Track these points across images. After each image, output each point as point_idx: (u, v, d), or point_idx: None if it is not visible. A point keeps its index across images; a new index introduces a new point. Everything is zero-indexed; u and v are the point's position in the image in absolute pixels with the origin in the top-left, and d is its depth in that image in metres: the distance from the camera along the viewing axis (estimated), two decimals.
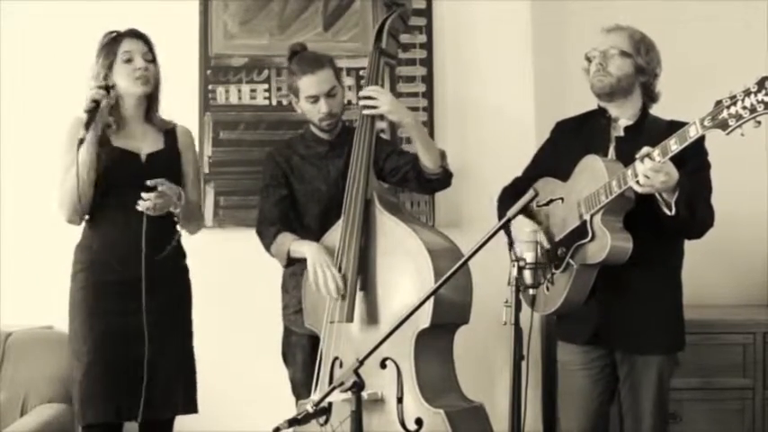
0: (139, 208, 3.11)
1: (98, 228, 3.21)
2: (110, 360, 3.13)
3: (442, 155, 3.44)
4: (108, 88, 3.13)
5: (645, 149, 2.82)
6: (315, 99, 3.44)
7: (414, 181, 3.47)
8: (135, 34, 3.23)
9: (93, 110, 3.06)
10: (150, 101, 3.28)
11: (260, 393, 3.78)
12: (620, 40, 3.11)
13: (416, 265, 3.14)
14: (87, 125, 3.04)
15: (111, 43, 3.20)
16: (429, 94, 3.99)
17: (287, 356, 3.56)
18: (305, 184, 3.52)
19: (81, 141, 3.04)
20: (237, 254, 3.88)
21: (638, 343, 3.07)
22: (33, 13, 3.94)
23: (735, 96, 2.64)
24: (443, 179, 3.46)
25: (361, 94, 3.44)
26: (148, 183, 3.10)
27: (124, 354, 3.13)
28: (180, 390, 3.22)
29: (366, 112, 3.38)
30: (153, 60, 3.24)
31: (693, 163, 2.95)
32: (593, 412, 3.17)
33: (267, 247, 3.49)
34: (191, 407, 3.26)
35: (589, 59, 3.15)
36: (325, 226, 3.43)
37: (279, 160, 3.55)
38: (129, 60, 3.19)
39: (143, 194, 3.10)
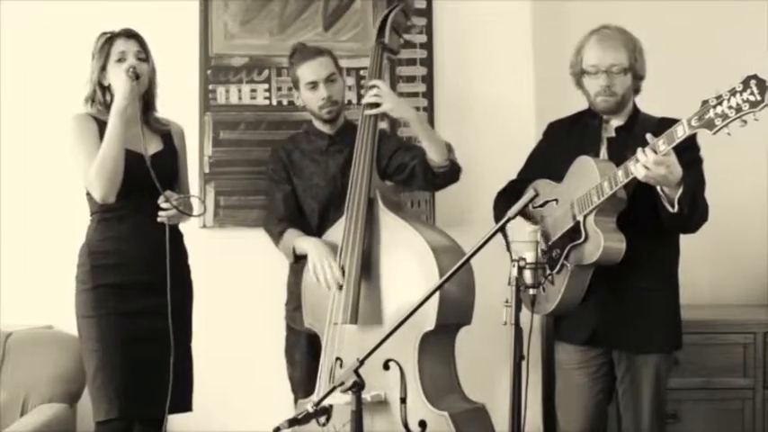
0: (160, 219, 3.15)
1: (106, 229, 3.21)
2: (125, 360, 3.12)
3: (449, 147, 3.43)
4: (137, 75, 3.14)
5: (639, 152, 2.81)
6: (314, 85, 3.46)
7: (421, 176, 3.44)
8: (128, 34, 3.22)
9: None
10: (146, 102, 3.27)
11: (260, 393, 3.78)
12: (619, 54, 3.07)
13: (420, 264, 3.13)
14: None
15: (105, 44, 3.20)
16: (429, 95, 3.98)
17: (287, 354, 3.58)
18: (303, 179, 3.54)
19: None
20: (237, 254, 3.88)
21: (636, 342, 3.08)
22: (33, 14, 3.93)
23: (721, 96, 2.64)
24: (451, 172, 3.43)
25: (367, 85, 3.44)
26: (161, 202, 3.14)
27: (138, 353, 3.13)
28: (178, 389, 3.21)
29: (368, 111, 3.39)
30: (146, 59, 3.22)
31: (686, 158, 2.93)
32: (591, 411, 3.18)
33: (275, 244, 3.51)
34: (186, 406, 3.26)
35: (586, 72, 3.11)
36: (324, 221, 3.47)
37: (281, 155, 3.59)
38: (121, 60, 3.18)
39: (161, 203, 3.13)
